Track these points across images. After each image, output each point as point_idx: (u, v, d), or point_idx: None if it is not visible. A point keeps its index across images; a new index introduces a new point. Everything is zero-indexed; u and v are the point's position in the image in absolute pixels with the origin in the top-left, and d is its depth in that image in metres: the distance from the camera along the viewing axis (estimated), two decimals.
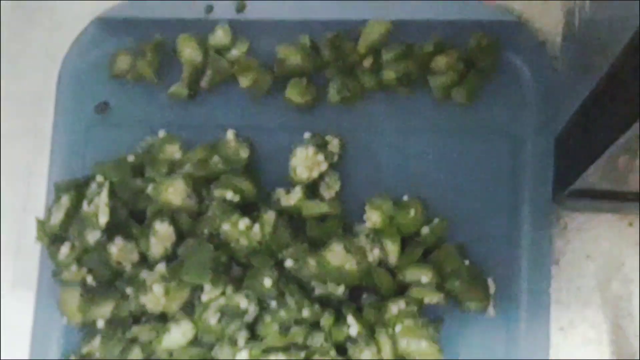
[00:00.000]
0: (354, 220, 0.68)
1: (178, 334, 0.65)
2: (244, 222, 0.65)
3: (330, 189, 0.69)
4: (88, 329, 0.68)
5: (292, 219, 0.68)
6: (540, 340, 0.65)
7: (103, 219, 0.66)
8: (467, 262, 0.66)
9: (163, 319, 0.66)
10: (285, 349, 0.63)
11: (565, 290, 0.68)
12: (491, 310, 0.66)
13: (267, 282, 0.64)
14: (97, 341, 0.67)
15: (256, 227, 0.66)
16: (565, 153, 0.64)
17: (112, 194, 0.67)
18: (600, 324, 0.67)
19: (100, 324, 0.67)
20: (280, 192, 0.68)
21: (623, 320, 0.67)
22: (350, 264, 0.64)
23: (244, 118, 0.71)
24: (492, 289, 0.66)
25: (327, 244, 0.65)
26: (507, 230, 0.67)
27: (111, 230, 0.67)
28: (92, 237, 0.67)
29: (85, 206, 0.67)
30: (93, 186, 0.68)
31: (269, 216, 0.66)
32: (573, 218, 0.69)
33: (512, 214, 0.67)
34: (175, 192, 0.67)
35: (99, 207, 0.66)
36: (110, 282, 0.68)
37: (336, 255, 0.64)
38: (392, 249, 0.65)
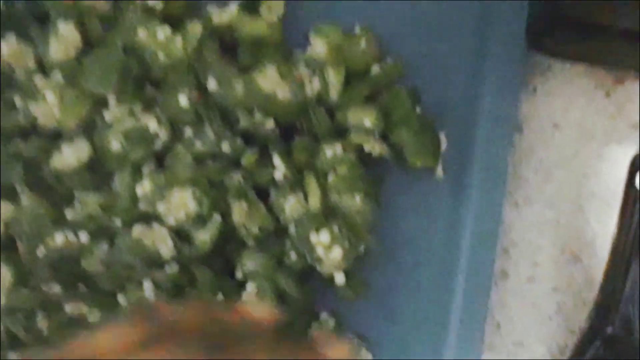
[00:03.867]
0: (296, 51, 0.58)
1: (70, 155, 0.54)
2: (164, 32, 0.55)
3: (272, 12, 0.58)
4: None
5: (223, 43, 0.57)
6: (490, 214, 0.57)
7: None
8: (418, 110, 0.56)
9: (57, 137, 0.55)
10: (195, 183, 0.53)
11: (525, 161, 0.59)
12: (439, 170, 0.57)
13: (183, 100, 0.53)
14: None
15: (178, 40, 0.55)
16: None
17: None
18: (560, 203, 0.59)
19: None
20: (212, 7, 0.58)
21: (585, 201, 0.58)
22: (283, 92, 0.54)
23: None
24: (443, 145, 0.57)
25: (258, 67, 0.54)
26: (468, 83, 0.58)
27: (4, 26, 0.56)
28: None
29: None
30: None
31: (195, 28, 0.55)
32: (544, 81, 0.60)
33: (476, 65, 0.58)
34: None
35: None
36: None
37: (268, 79, 0.54)
38: (335, 82, 0.55)
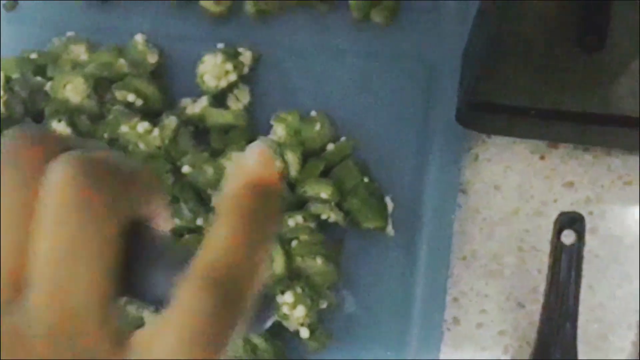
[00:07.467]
0: (261, 135, 0.66)
1: None
2: (143, 126, 0.63)
3: (238, 102, 0.67)
4: None
5: (197, 130, 0.65)
6: (440, 268, 0.64)
7: None
8: (366, 180, 0.64)
9: None
10: None
11: (471, 220, 0.66)
12: (390, 230, 0.64)
13: None
14: None
15: (156, 132, 0.63)
16: (468, 66, 0.62)
17: (9, 89, 0.65)
18: (503, 256, 0.66)
19: None
20: (186, 100, 0.66)
21: (526, 254, 0.65)
22: None
23: (157, 25, 0.69)
24: (390, 207, 0.64)
25: (225, 152, 0.62)
26: (414, 155, 0.66)
27: (4, 125, 0.64)
28: None
29: None
30: None
31: (170, 121, 0.64)
32: (485, 149, 0.68)
33: (421, 140, 0.66)
34: (74, 90, 0.64)
35: None
36: None
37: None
38: (293, 161, 0.63)
